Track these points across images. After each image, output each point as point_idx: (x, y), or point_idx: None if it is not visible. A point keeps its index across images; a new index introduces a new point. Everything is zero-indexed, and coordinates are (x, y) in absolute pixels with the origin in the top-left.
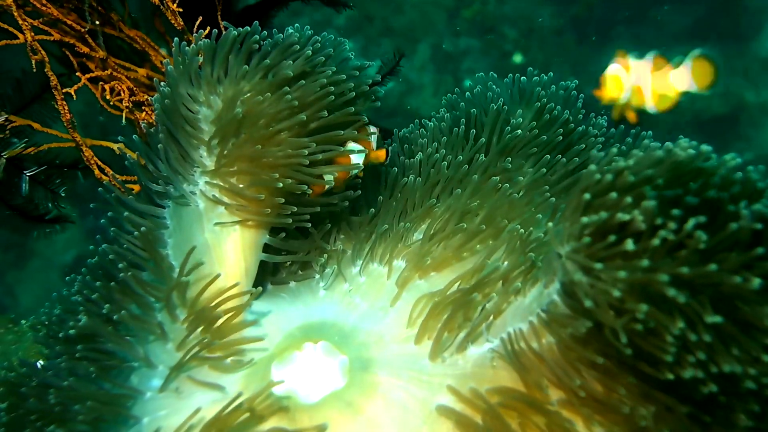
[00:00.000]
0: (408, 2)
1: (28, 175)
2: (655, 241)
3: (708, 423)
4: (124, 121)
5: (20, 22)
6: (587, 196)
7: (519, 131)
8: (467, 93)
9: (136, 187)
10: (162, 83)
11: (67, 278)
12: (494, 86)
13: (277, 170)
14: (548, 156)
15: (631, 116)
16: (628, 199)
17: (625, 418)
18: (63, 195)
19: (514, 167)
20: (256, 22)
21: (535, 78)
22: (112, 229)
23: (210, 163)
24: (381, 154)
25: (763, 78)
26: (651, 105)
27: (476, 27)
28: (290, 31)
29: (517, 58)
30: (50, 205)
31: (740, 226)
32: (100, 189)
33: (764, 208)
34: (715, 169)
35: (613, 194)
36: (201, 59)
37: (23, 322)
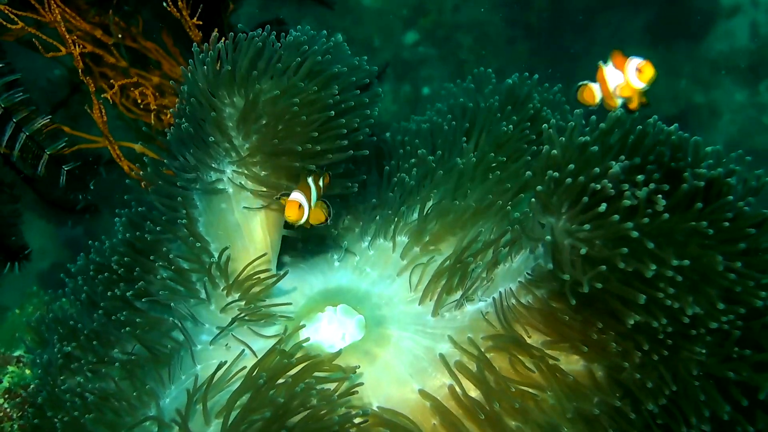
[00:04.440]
0: (367, 13)
1: (67, 170)
2: (626, 202)
3: (663, 357)
4: (152, 121)
5: (66, 37)
6: (556, 174)
7: (504, 124)
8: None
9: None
10: (185, 86)
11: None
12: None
13: (293, 158)
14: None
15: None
16: (597, 170)
17: (602, 353)
18: (92, 188)
19: (501, 155)
20: (268, 26)
21: (528, 81)
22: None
23: (236, 154)
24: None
25: (711, 79)
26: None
27: (433, 36)
28: (295, 34)
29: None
30: (80, 197)
31: (689, 185)
32: (127, 180)
33: (706, 170)
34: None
35: (571, 166)
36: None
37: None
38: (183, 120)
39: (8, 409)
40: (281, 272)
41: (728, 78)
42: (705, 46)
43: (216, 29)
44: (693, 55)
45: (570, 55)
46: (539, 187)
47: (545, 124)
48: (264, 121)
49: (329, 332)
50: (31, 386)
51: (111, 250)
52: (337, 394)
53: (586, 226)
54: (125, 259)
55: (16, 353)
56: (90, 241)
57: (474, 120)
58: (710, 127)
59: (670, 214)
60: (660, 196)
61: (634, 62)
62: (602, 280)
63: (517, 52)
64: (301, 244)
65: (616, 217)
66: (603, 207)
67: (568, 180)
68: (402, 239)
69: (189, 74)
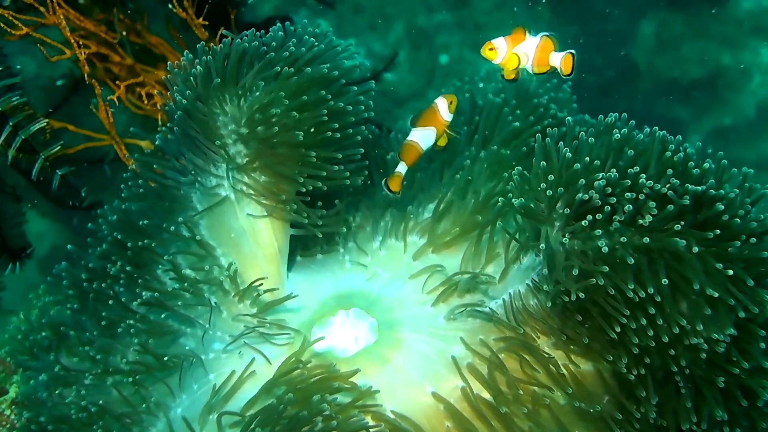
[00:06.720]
0: None
1: (60, 175)
2: (599, 215)
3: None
4: (160, 122)
5: (71, 40)
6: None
7: (517, 123)
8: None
9: None
10: (178, 92)
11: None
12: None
13: (291, 163)
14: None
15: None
16: (582, 181)
17: (603, 355)
18: (83, 195)
19: (512, 152)
20: (253, 29)
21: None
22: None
23: (236, 160)
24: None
25: (739, 40)
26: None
27: (449, 0)
28: (281, 35)
29: None
30: (71, 203)
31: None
32: (122, 186)
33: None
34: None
35: (552, 176)
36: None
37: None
38: (179, 125)
39: (15, 421)
40: (291, 294)
41: (756, 38)
42: (732, 5)
43: (222, 27)
44: (719, 15)
45: (593, 14)
46: (516, 205)
47: (538, 134)
48: (260, 128)
49: (342, 336)
50: (26, 413)
51: (105, 256)
52: (355, 405)
53: (577, 242)
54: (127, 267)
55: None
56: (69, 246)
57: (482, 117)
58: (741, 89)
59: (655, 230)
60: (647, 211)
61: (559, 55)
62: (587, 292)
63: (539, 14)
64: (311, 243)
65: (599, 235)
66: (587, 221)
67: (549, 192)
68: (413, 239)
69: (177, 87)
